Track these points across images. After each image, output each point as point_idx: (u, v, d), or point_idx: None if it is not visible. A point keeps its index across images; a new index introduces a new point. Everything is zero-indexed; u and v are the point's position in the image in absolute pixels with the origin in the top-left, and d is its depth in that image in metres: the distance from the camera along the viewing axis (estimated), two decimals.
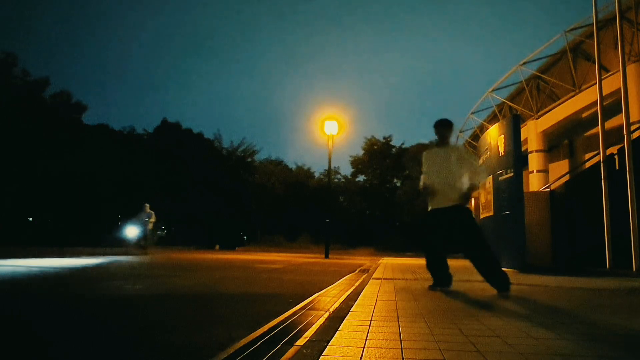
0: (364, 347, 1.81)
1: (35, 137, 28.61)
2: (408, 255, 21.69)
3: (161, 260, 11.02)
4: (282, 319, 2.57)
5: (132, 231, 16.36)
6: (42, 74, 38.39)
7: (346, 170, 46.67)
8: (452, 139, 4.45)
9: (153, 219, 15.16)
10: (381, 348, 1.80)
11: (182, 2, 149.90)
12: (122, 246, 17.15)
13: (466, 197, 4.07)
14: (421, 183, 4.42)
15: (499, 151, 8.22)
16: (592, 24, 8.91)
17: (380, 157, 39.54)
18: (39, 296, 3.85)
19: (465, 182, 4.11)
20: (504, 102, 21.39)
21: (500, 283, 3.89)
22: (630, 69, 11.98)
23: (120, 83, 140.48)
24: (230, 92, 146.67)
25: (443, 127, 4.33)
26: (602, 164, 7.89)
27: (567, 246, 8.81)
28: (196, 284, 5.14)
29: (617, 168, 7.89)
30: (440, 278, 4.22)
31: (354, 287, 4.43)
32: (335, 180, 40.88)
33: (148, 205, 15.28)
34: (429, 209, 4.25)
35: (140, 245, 15.22)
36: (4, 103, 27.82)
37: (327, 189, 26.57)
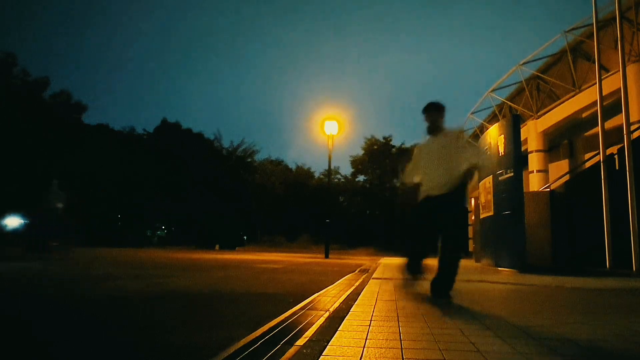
0: (364, 347, 1.81)
1: (35, 137, 28.61)
2: None
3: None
4: (282, 319, 2.57)
5: (12, 222, 10.85)
6: (42, 74, 38.29)
7: (346, 170, 46.61)
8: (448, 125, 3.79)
9: (61, 204, 10.42)
10: (381, 348, 1.80)
11: (182, 2, 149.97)
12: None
13: (463, 180, 3.50)
14: (405, 180, 3.89)
15: (499, 151, 8.22)
16: (592, 24, 8.91)
17: (380, 157, 39.54)
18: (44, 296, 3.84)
19: (463, 165, 3.50)
20: (504, 102, 21.39)
21: (443, 290, 3.47)
22: (630, 69, 11.98)
23: (120, 83, 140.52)
24: (230, 92, 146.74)
25: (434, 111, 3.69)
26: (602, 164, 7.89)
27: (567, 246, 8.81)
28: (196, 284, 5.14)
29: (617, 168, 7.90)
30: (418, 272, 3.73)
31: (354, 287, 4.43)
32: (335, 180, 40.86)
33: (57, 182, 10.66)
34: (421, 198, 3.68)
35: (42, 244, 10.02)
36: (4, 103, 27.82)
37: (327, 189, 26.56)
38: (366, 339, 1.96)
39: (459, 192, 3.50)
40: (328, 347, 1.81)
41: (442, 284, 3.47)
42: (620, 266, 7.37)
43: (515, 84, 20.76)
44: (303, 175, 43.48)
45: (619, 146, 8.10)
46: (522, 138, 10.16)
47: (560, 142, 18.38)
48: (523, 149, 18.09)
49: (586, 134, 16.34)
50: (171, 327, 2.56)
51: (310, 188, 40.66)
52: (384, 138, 40.32)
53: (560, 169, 17.06)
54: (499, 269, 8.14)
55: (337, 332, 2.12)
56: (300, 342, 1.93)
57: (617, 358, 1.77)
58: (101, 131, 35.08)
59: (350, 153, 49.02)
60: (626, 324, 2.54)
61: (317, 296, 3.74)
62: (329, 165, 20.27)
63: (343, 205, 40.21)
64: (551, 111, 17.76)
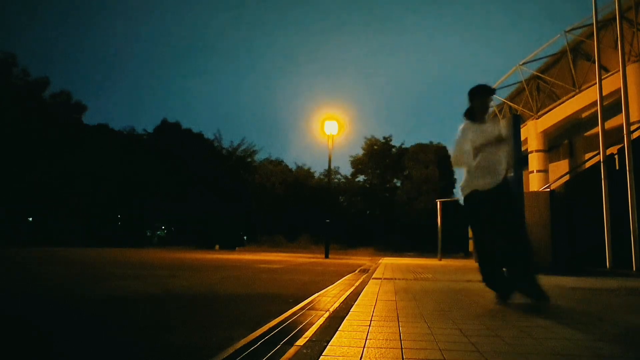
0: (364, 347, 1.81)
1: (35, 137, 28.61)
2: (408, 255, 21.69)
3: None
4: (282, 319, 2.57)
5: None
6: (42, 74, 38.24)
7: (346, 170, 46.67)
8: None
9: None
10: (381, 348, 1.80)
11: (182, 2, 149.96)
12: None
13: (506, 178, 3.31)
14: (460, 163, 3.37)
15: None
16: (592, 24, 8.91)
17: (380, 157, 39.56)
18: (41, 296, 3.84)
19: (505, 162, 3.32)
20: (504, 102, 21.41)
21: (532, 288, 3.13)
22: (630, 69, 11.98)
23: (120, 83, 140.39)
24: (230, 92, 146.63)
25: (489, 94, 3.34)
26: (602, 164, 7.90)
27: (567, 246, 8.80)
28: (196, 284, 5.14)
29: (617, 168, 7.90)
30: (501, 286, 3.35)
31: (354, 287, 4.43)
32: (335, 180, 40.86)
33: None
34: (468, 192, 3.34)
35: None
36: (4, 103, 27.83)
37: (327, 189, 26.58)
38: (366, 339, 1.96)
39: (506, 182, 3.30)
40: (328, 347, 1.81)
41: (529, 281, 3.13)
42: (620, 266, 7.37)
43: (515, 84, 20.81)
44: (303, 175, 43.45)
45: (619, 146, 8.10)
46: (522, 138, 10.16)
47: (560, 142, 18.39)
48: (523, 149, 18.11)
49: (586, 134, 16.35)
50: (171, 327, 2.56)
51: (310, 188, 40.63)
52: (384, 138, 40.35)
53: (560, 169, 17.07)
54: None
55: (337, 332, 2.12)
56: (300, 342, 1.93)
57: (617, 357, 1.76)
58: (101, 131, 35.08)
59: (350, 153, 49.06)
60: (626, 324, 2.54)
61: (317, 296, 3.74)
62: (329, 165, 20.29)
63: (343, 205, 40.20)
64: (551, 111, 17.77)
